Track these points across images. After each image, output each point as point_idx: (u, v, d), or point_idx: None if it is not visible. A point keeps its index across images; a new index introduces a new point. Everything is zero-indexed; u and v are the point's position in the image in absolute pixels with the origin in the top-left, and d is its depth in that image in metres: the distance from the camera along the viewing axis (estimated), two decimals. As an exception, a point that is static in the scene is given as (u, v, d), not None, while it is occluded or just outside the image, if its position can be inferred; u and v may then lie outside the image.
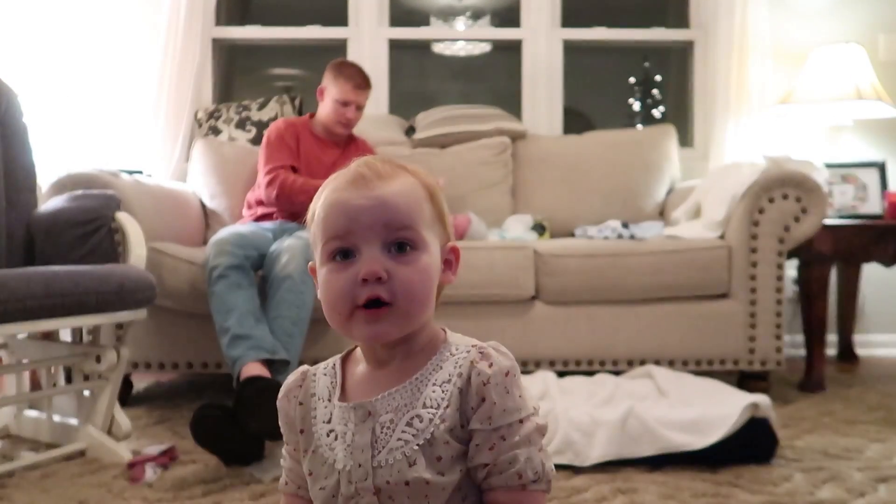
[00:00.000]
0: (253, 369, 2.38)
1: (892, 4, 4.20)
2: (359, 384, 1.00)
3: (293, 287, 2.63)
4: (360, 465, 0.93)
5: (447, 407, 0.91)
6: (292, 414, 1.01)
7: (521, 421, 0.91)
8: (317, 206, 0.97)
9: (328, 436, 0.98)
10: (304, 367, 1.06)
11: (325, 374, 1.03)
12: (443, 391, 0.92)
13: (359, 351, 1.04)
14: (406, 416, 0.93)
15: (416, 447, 0.90)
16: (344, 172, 0.96)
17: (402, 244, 0.92)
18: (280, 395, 1.03)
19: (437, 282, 0.97)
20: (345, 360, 1.05)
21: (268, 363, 2.42)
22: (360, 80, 3.31)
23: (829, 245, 3.23)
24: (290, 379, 1.05)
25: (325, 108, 3.34)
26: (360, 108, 3.34)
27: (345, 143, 3.44)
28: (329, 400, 1.00)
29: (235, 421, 2.17)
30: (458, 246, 1.01)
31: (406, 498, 0.90)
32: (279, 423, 1.03)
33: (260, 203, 3.24)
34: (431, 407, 0.91)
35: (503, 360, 0.92)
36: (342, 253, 0.93)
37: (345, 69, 3.34)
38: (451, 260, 1.00)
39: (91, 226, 2.48)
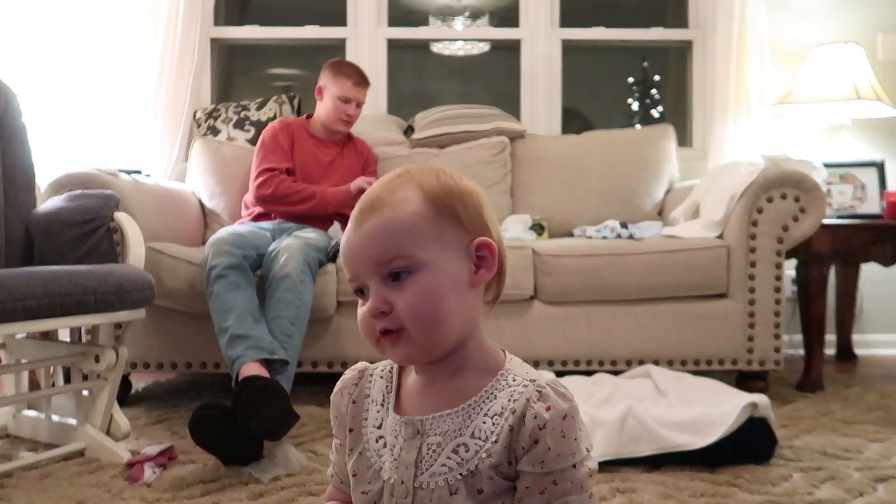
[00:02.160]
0: (252, 369, 2.38)
1: (891, 4, 4.20)
2: (412, 395, 0.99)
3: (291, 287, 2.63)
4: (402, 482, 0.92)
5: (495, 442, 0.89)
6: (343, 411, 1.02)
7: (574, 466, 0.89)
8: None
9: (377, 441, 0.97)
10: (363, 365, 1.06)
11: (382, 377, 1.03)
12: (493, 424, 0.90)
13: None
14: (453, 443, 0.91)
15: (459, 476, 0.89)
16: (359, 202, 0.96)
17: (397, 273, 0.91)
18: (335, 388, 1.04)
19: (459, 291, 0.93)
20: (402, 366, 1.03)
21: (266, 363, 2.42)
22: (360, 77, 3.34)
23: (827, 245, 3.23)
24: (348, 375, 1.05)
25: (325, 107, 3.35)
26: (359, 105, 3.37)
27: (342, 143, 3.46)
28: (382, 405, 1.00)
29: (234, 421, 2.17)
30: (490, 240, 0.96)
31: None
32: (330, 416, 1.04)
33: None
34: (479, 438, 0.90)
35: (561, 404, 0.89)
36: (359, 290, 0.95)
37: (344, 67, 3.37)
38: (484, 256, 0.95)
39: (90, 226, 2.47)
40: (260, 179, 3.18)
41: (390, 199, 0.93)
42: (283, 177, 3.19)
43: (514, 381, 0.92)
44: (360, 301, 0.95)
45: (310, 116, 3.46)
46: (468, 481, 0.89)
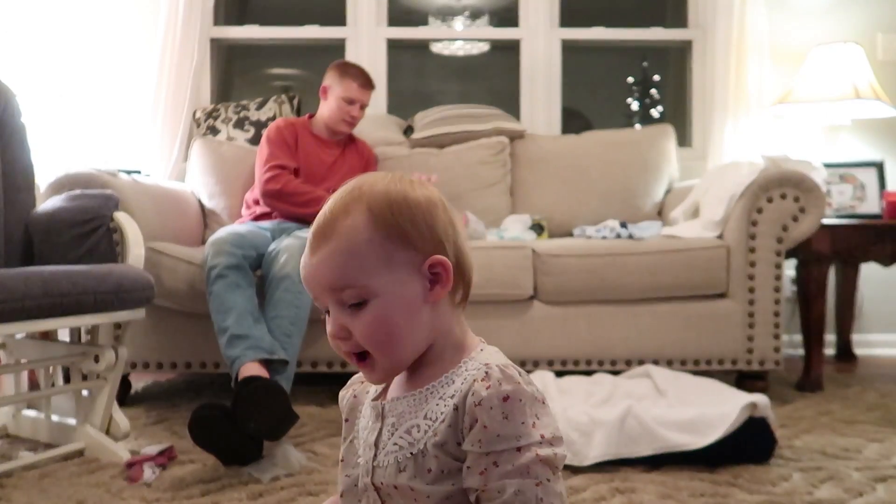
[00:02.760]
0: (251, 369, 2.38)
1: (891, 4, 4.20)
2: (393, 386, 1.02)
3: (291, 287, 2.62)
4: (366, 462, 0.97)
5: (442, 422, 0.91)
6: (344, 404, 1.07)
7: (518, 449, 0.87)
8: None
9: (364, 430, 1.01)
10: None
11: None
12: (444, 406, 0.92)
13: None
14: (406, 424, 0.95)
15: (409, 455, 0.92)
16: (313, 224, 0.97)
17: (351, 304, 0.94)
18: (346, 385, 1.09)
19: (413, 312, 0.95)
20: None
21: (266, 363, 2.42)
22: (366, 80, 3.36)
23: (827, 245, 3.23)
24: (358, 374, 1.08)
25: (329, 107, 3.36)
26: (363, 107, 3.38)
27: (344, 144, 3.46)
28: (375, 398, 1.03)
29: (233, 421, 2.17)
30: (442, 258, 0.95)
31: (400, 499, 0.93)
32: (341, 411, 1.08)
33: (258, 202, 3.24)
34: (430, 419, 0.92)
35: (504, 385, 0.88)
36: (326, 309, 0.97)
37: (350, 68, 3.38)
38: (437, 273, 0.95)
39: (89, 225, 2.47)
40: (270, 174, 3.16)
41: (341, 225, 0.93)
42: (291, 176, 3.19)
43: (471, 366, 0.94)
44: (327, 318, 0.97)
45: (312, 116, 3.46)
46: (417, 461, 0.91)
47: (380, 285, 0.93)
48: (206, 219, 3.63)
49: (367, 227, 0.93)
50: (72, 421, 2.41)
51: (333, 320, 0.94)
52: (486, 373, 0.90)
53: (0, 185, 2.50)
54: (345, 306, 0.93)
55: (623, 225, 3.25)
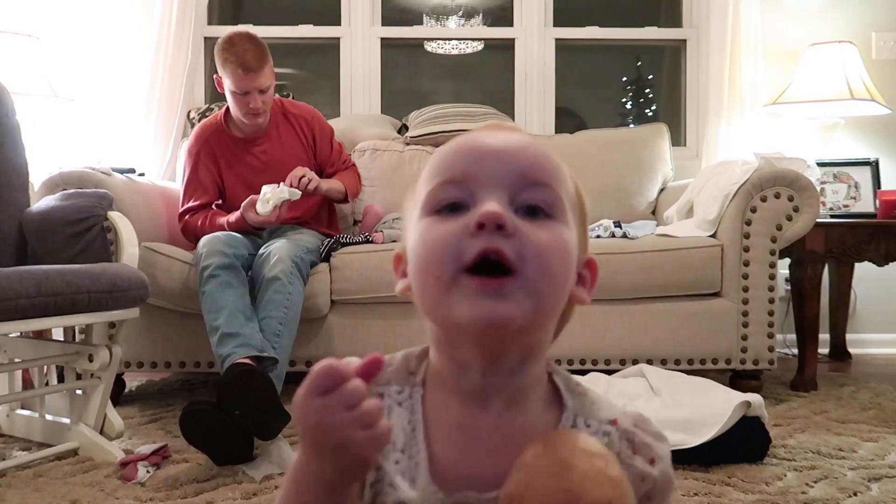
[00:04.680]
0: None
1: (885, 4, 4.21)
2: (450, 439, 0.74)
3: (281, 288, 2.62)
4: None
5: None
6: None
7: None
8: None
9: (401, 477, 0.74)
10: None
11: (401, 405, 0.77)
12: None
13: (439, 365, 0.77)
14: None
15: None
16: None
17: (534, 208, 0.70)
18: None
19: (568, 283, 0.73)
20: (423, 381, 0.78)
21: (256, 361, 2.42)
22: (246, 62, 2.90)
23: (821, 244, 3.23)
24: None
25: (229, 102, 3.07)
26: (263, 90, 2.98)
27: (275, 127, 3.19)
28: (403, 452, 0.75)
29: (223, 413, 2.16)
30: (595, 259, 0.81)
31: None
32: None
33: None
34: None
35: (667, 461, 0.72)
36: (451, 206, 0.70)
37: (230, 52, 2.92)
38: (585, 275, 0.79)
39: (83, 224, 2.47)
40: (181, 225, 3.13)
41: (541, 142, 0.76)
42: (191, 218, 3.10)
43: (587, 425, 0.74)
44: (433, 219, 0.71)
45: (228, 112, 3.16)
46: None
47: (569, 220, 0.73)
48: (201, 218, 3.62)
49: (568, 175, 0.76)
50: (66, 420, 2.40)
51: (495, 205, 0.68)
52: (630, 440, 0.73)
53: (-7, 184, 2.50)
54: (519, 208, 0.70)
55: (617, 224, 3.25)
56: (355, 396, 0.67)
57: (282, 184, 2.87)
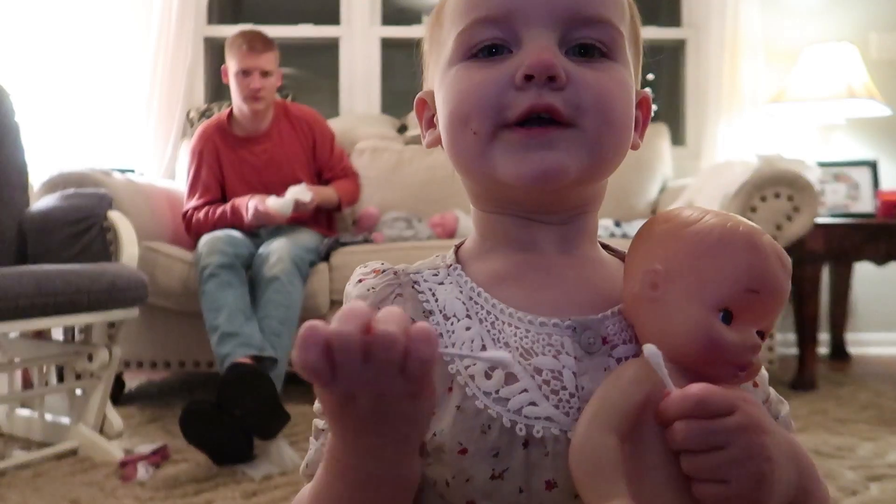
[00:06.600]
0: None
1: (884, 3, 4.21)
2: (518, 286, 0.65)
3: (280, 288, 2.62)
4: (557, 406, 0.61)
5: None
6: None
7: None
8: None
9: (487, 378, 0.61)
10: (386, 266, 0.70)
11: (443, 282, 0.67)
12: None
13: (479, 240, 0.70)
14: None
15: None
16: None
17: (588, 47, 0.62)
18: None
19: (630, 129, 0.68)
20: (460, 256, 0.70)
21: (256, 360, 2.42)
22: (252, 41, 3.04)
23: (821, 244, 3.23)
24: (375, 283, 0.69)
25: (232, 91, 3.12)
26: (265, 73, 3.07)
27: (276, 126, 3.21)
28: (468, 317, 0.64)
29: (222, 412, 2.16)
30: (649, 95, 0.74)
31: None
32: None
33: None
34: None
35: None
36: (488, 48, 0.61)
37: (237, 37, 3.08)
38: (638, 116, 0.72)
39: (83, 224, 2.47)
40: (185, 223, 3.15)
41: None
42: (197, 214, 3.10)
43: None
44: (467, 64, 0.63)
45: (231, 112, 3.22)
46: None
47: (628, 59, 0.67)
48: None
49: (628, 2, 0.71)
50: (65, 420, 2.40)
51: (544, 49, 0.60)
52: None
53: (-7, 184, 2.50)
54: (573, 50, 0.62)
55: (617, 224, 3.25)
56: (363, 331, 0.49)
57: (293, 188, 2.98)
